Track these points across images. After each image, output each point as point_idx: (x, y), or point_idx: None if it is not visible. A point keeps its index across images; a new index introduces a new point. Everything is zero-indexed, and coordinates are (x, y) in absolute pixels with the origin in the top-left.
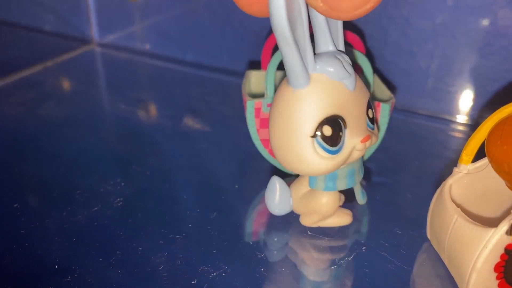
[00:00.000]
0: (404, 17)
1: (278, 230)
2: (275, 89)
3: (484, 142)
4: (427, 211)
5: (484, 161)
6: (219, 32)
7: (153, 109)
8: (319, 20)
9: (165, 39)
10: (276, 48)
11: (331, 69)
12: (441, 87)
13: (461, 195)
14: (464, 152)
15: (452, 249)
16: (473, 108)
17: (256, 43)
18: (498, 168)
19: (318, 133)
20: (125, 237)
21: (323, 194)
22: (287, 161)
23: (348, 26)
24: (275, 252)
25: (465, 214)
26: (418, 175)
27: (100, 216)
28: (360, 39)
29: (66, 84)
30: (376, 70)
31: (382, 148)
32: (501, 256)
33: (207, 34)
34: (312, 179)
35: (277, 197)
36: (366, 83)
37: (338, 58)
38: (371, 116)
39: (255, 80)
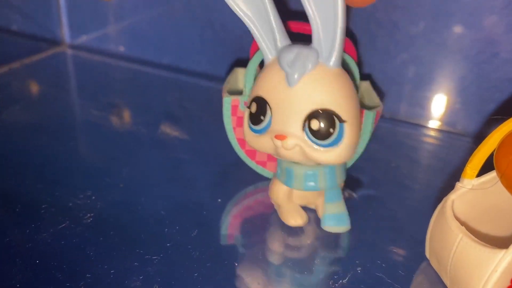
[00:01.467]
0: (393, 22)
1: (266, 251)
2: None
3: (490, 155)
4: (425, 227)
5: (491, 175)
6: (199, 34)
7: (127, 116)
8: (310, 14)
9: (140, 41)
10: None
11: (279, 58)
12: (432, 95)
13: (464, 212)
14: (469, 165)
15: (456, 271)
16: (469, 118)
17: (238, 46)
18: (510, 184)
19: (250, 107)
20: (96, 258)
21: (275, 181)
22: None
23: None
24: (262, 275)
25: (470, 232)
26: (413, 188)
27: (68, 234)
28: (352, 44)
29: (33, 88)
30: (366, 77)
31: (372, 159)
32: (511, 280)
33: (185, 36)
34: (278, 170)
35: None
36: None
37: (296, 52)
38: (314, 127)
39: (242, 78)
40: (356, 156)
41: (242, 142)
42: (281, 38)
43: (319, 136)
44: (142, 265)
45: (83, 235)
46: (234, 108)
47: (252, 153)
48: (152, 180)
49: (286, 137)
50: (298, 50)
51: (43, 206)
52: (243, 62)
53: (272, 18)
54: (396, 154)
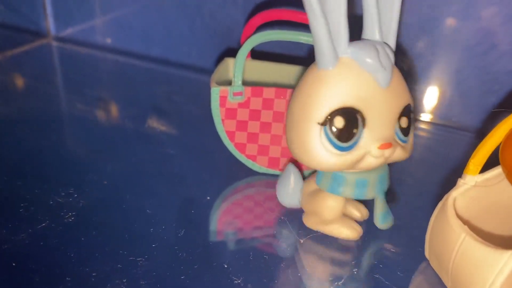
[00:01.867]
0: None
1: (257, 251)
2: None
3: (494, 150)
4: (423, 225)
5: (495, 172)
6: (188, 26)
7: (113, 109)
8: (369, 6)
9: (128, 33)
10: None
11: (363, 57)
12: (430, 88)
13: (467, 210)
14: (472, 161)
15: (458, 273)
16: (468, 111)
17: (228, 38)
18: None
19: (329, 122)
20: (77, 260)
21: (326, 195)
22: (293, 145)
23: None
24: (253, 277)
25: (473, 231)
26: (411, 184)
27: (47, 234)
28: None
29: (17, 80)
30: None
31: None
32: None
33: (174, 28)
34: (319, 176)
35: (290, 187)
36: None
37: (376, 48)
38: (404, 125)
39: (232, 68)
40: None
41: (231, 135)
42: (347, 37)
43: (405, 132)
44: (126, 267)
45: (64, 236)
46: (223, 99)
47: (241, 146)
48: (137, 177)
49: (392, 145)
50: (377, 46)
51: (21, 204)
52: (233, 53)
53: (343, 13)
54: None
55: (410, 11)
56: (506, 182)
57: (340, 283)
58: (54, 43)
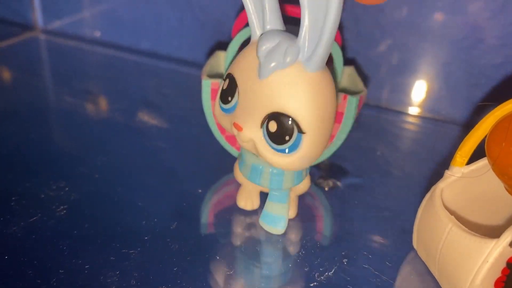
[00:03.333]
0: (378, 6)
1: (249, 243)
2: None
3: (480, 142)
4: (411, 216)
5: (481, 163)
6: (178, 18)
7: (103, 103)
8: (304, 10)
9: (117, 26)
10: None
11: (263, 40)
12: (417, 82)
13: (453, 201)
14: (459, 153)
15: (445, 262)
16: (455, 104)
17: (219, 31)
18: (502, 171)
19: (223, 82)
20: (69, 252)
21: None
22: None
23: None
24: (246, 268)
25: (460, 221)
26: (399, 177)
27: (39, 227)
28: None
29: (4, 74)
30: (351, 63)
31: (357, 147)
32: (503, 271)
33: (164, 21)
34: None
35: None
36: (334, 73)
37: (279, 43)
38: (271, 129)
39: (223, 61)
40: (339, 143)
41: (222, 128)
42: (271, 19)
43: (274, 139)
44: (119, 259)
45: (56, 229)
46: (214, 92)
47: (232, 139)
48: (129, 170)
49: (242, 129)
50: (280, 40)
51: (13, 198)
52: (224, 47)
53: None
54: (381, 142)
55: (397, 5)
56: (491, 173)
57: (330, 273)
58: (42, 36)
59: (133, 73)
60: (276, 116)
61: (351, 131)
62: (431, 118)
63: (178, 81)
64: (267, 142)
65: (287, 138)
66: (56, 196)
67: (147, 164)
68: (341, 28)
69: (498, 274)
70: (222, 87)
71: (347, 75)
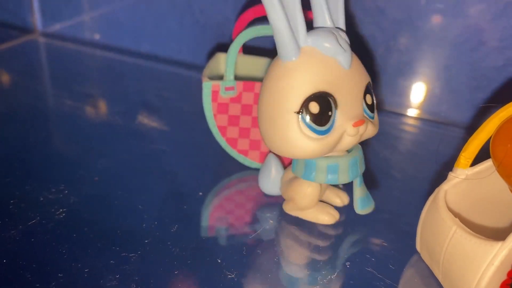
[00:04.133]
0: (379, 8)
1: (250, 246)
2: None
3: (484, 144)
4: (414, 219)
5: (485, 165)
6: (178, 21)
7: (103, 106)
8: None
9: (117, 29)
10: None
11: (324, 43)
12: (419, 84)
13: (457, 203)
14: (463, 154)
15: (449, 265)
16: (456, 107)
17: (219, 34)
18: (507, 173)
19: (304, 109)
20: (69, 256)
21: (302, 182)
22: (272, 140)
23: None
24: (247, 272)
25: (464, 224)
26: (402, 179)
27: (38, 230)
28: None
29: (3, 77)
30: (376, 69)
31: None
32: (508, 273)
33: (164, 24)
34: (294, 163)
35: (271, 176)
36: None
37: (333, 33)
38: (369, 102)
39: (224, 63)
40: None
41: (223, 129)
42: (305, 27)
43: (371, 108)
44: (119, 263)
45: (55, 232)
46: (215, 93)
47: (233, 141)
48: (129, 173)
49: (364, 120)
50: (332, 31)
51: (11, 201)
52: (224, 49)
53: (298, 4)
54: (382, 144)
55: (398, 7)
56: (496, 175)
57: (333, 276)
58: (41, 39)
59: (133, 76)
60: (369, 88)
61: None
62: (433, 121)
63: (178, 84)
64: (368, 115)
65: (374, 100)
66: (55, 199)
67: (147, 167)
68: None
69: (504, 276)
70: (311, 114)
71: None
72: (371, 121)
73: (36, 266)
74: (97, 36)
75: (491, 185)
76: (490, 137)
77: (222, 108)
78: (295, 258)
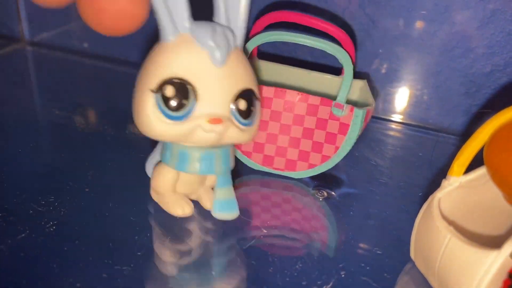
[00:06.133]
0: (369, 16)
1: (245, 257)
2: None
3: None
4: (408, 226)
5: (479, 172)
6: None
7: (92, 115)
8: None
9: (106, 37)
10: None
11: (199, 34)
12: (408, 91)
13: (451, 211)
14: (456, 162)
15: (444, 273)
16: (446, 113)
17: None
18: (502, 181)
19: (160, 90)
20: (60, 270)
21: (160, 168)
22: (134, 115)
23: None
24: (242, 284)
25: (458, 232)
26: (395, 186)
27: (28, 244)
28: (349, 39)
29: None
30: (366, 76)
31: (351, 157)
32: (504, 282)
33: (153, 31)
34: (166, 154)
35: (154, 158)
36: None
37: (214, 28)
38: (242, 107)
39: None
40: (343, 154)
41: None
42: (188, 15)
43: (244, 115)
44: (111, 276)
45: (45, 246)
46: None
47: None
48: (120, 184)
49: (222, 120)
50: (216, 27)
51: (0, 214)
52: None
53: None
54: (373, 151)
55: (387, 15)
56: (490, 183)
57: (328, 286)
58: (29, 48)
59: (123, 85)
60: (243, 94)
61: (355, 143)
62: (422, 127)
63: None
64: (238, 120)
65: (252, 109)
66: (45, 211)
67: (138, 177)
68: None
69: (499, 285)
70: (166, 97)
71: (358, 88)
72: (237, 126)
73: (25, 281)
74: (85, 45)
75: (485, 192)
76: (484, 145)
77: None
78: (290, 269)
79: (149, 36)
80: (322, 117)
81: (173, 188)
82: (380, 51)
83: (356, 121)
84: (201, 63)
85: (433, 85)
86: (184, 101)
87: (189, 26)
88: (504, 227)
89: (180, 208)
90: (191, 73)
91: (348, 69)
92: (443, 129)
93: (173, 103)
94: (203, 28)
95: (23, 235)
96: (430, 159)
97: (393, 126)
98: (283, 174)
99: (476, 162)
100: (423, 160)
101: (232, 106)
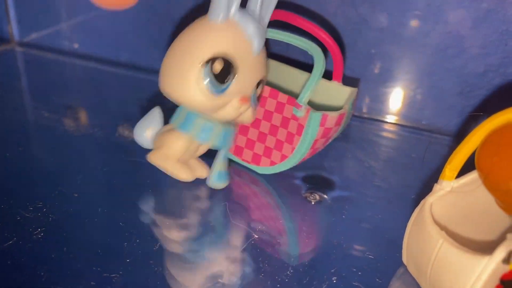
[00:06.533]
0: (361, 16)
1: (236, 264)
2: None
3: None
4: (400, 229)
5: (471, 176)
6: (158, 29)
7: (82, 117)
8: None
9: (96, 38)
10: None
11: (247, 23)
12: (401, 92)
13: (443, 215)
14: (448, 166)
15: (437, 279)
16: (439, 114)
17: None
18: (494, 186)
19: (210, 64)
20: (47, 278)
21: (175, 132)
22: (169, 84)
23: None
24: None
25: (450, 236)
26: (387, 189)
27: (14, 252)
28: (336, 44)
29: None
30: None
31: (343, 158)
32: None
33: (144, 32)
34: (176, 113)
35: (149, 129)
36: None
37: (257, 22)
38: (257, 93)
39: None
40: (298, 156)
41: None
42: (239, 2)
43: (257, 99)
44: (100, 284)
45: (33, 253)
46: None
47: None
48: (109, 188)
49: (249, 100)
50: (255, 19)
51: None
52: None
53: None
54: (365, 152)
55: (380, 15)
56: (482, 187)
57: None
58: (18, 49)
59: (113, 86)
60: (261, 81)
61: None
62: (415, 127)
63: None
64: (255, 103)
65: (261, 95)
66: (33, 217)
67: (128, 181)
68: None
69: None
70: (215, 71)
71: (347, 94)
72: (253, 108)
73: None
74: (75, 45)
75: (478, 197)
76: (476, 149)
77: None
78: (281, 275)
79: (139, 37)
80: (286, 116)
81: (182, 155)
82: (373, 51)
83: (310, 124)
84: (243, 48)
85: (426, 85)
86: (227, 77)
87: (238, 14)
88: (496, 232)
89: (188, 174)
90: (235, 54)
91: (317, 67)
92: (437, 129)
93: (219, 77)
94: (248, 18)
95: (10, 242)
96: (423, 160)
97: (386, 127)
98: (248, 167)
99: (468, 166)
100: (416, 161)
101: (254, 90)
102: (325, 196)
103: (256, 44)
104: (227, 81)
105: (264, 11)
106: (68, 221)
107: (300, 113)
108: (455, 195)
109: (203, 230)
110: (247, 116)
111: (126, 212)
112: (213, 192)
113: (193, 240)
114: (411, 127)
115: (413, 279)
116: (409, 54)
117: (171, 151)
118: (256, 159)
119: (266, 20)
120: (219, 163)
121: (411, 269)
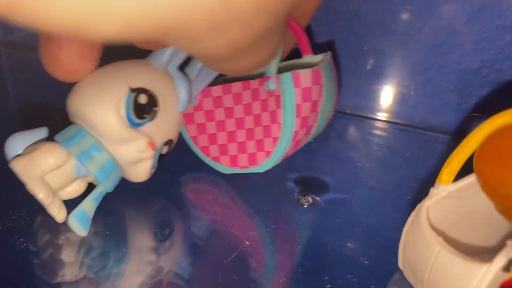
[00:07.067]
0: (353, 12)
1: (228, 272)
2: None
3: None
4: (396, 233)
5: (468, 180)
6: None
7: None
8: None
9: None
10: None
11: (180, 82)
12: (394, 88)
13: (441, 220)
14: (445, 170)
15: (434, 285)
16: (434, 112)
17: None
18: (493, 191)
19: (137, 92)
20: None
21: (53, 145)
22: (89, 99)
23: None
24: None
25: (447, 242)
26: (382, 190)
27: None
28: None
29: None
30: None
31: (336, 158)
32: None
33: None
34: (76, 137)
35: (29, 142)
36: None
37: (189, 85)
38: (163, 152)
39: None
40: (290, 130)
41: (195, 139)
42: (179, 64)
43: (160, 159)
44: None
45: (15, 265)
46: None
47: (206, 149)
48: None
49: (155, 150)
50: (190, 83)
51: None
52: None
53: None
54: (360, 153)
55: (372, 10)
56: (481, 192)
57: None
58: (2, 48)
59: None
60: (167, 143)
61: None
62: (408, 125)
63: None
64: (156, 163)
65: (163, 156)
66: (16, 227)
67: (122, 185)
68: (316, 35)
69: None
70: (138, 103)
71: (320, 59)
72: (151, 166)
73: None
74: None
75: (476, 201)
76: (474, 152)
77: (190, 118)
78: (273, 283)
79: None
80: (263, 98)
81: (51, 172)
82: (365, 48)
83: (284, 88)
84: (170, 98)
85: (420, 82)
86: (146, 115)
87: (176, 71)
88: (495, 238)
89: (44, 193)
90: (162, 99)
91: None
92: (431, 127)
93: (139, 111)
94: (183, 79)
95: None
96: (417, 159)
97: (379, 125)
98: (249, 171)
99: (467, 167)
100: (410, 160)
101: (160, 146)
102: (318, 198)
103: (183, 103)
104: (145, 118)
105: (196, 83)
106: (53, 230)
107: (272, 84)
108: (452, 199)
109: (192, 238)
110: (143, 169)
111: (111, 219)
112: (203, 197)
113: (178, 251)
114: (404, 125)
115: (410, 285)
116: (402, 50)
117: (40, 162)
118: (253, 159)
119: (195, 94)
120: (88, 200)
121: (407, 274)
